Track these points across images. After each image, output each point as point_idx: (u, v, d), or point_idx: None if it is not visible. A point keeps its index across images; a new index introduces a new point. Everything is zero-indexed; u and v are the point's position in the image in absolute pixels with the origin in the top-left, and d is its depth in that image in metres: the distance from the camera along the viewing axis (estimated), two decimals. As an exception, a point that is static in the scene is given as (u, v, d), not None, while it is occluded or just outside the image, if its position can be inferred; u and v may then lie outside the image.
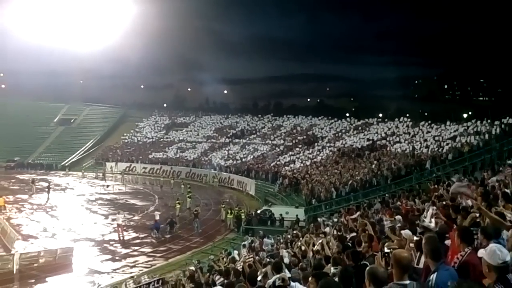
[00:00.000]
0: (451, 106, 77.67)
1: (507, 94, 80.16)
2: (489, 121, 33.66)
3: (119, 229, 27.16)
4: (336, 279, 5.16)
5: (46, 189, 39.58)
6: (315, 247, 11.36)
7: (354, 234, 11.60)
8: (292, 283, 6.58)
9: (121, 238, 26.66)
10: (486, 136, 30.35)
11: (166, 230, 28.41)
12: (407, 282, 4.00)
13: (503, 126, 30.94)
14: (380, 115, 57.26)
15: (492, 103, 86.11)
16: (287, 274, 7.24)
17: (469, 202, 8.82)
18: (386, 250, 6.44)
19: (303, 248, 11.36)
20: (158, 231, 27.63)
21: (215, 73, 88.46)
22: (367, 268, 4.24)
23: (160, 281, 16.55)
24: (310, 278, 5.33)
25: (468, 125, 35.20)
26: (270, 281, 6.90)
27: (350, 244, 9.98)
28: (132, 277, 18.27)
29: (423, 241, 4.84)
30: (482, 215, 7.20)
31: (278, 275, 6.81)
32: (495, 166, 18.92)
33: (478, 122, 34.55)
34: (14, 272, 20.05)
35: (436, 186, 17.87)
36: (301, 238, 14.97)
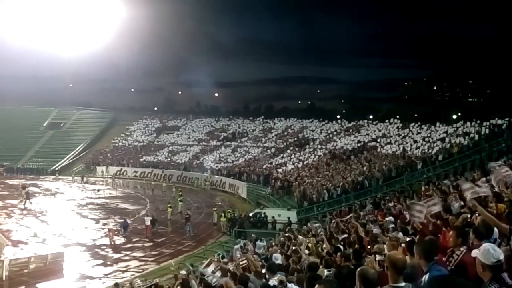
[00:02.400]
0: (441, 108, 78.42)
1: (495, 95, 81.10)
2: (478, 122, 34.00)
3: (110, 233, 27.04)
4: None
5: (24, 194, 37.93)
6: (307, 249, 11.36)
7: (345, 235, 11.63)
8: (289, 284, 6.58)
9: (112, 242, 26.52)
10: (476, 137, 30.63)
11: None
12: (403, 284, 4.00)
13: (492, 126, 31.25)
14: (371, 117, 57.61)
15: (481, 104, 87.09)
16: (280, 276, 7.22)
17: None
18: (378, 257, 6.46)
19: (298, 249, 11.33)
20: (125, 230, 28.14)
21: (206, 76, 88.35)
22: (358, 269, 4.25)
23: (153, 287, 16.43)
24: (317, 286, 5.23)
25: (457, 126, 35.51)
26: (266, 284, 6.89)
27: (341, 245, 10.01)
28: (116, 284, 18.03)
29: (416, 242, 4.85)
30: (473, 215, 7.26)
31: (275, 277, 6.80)
32: (485, 167, 19.07)
33: (468, 123, 34.87)
34: (4, 278, 19.83)
35: (427, 186, 18.00)
36: (293, 240, 14.97)
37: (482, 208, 6.52)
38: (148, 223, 28.59)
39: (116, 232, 27.79)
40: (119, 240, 27.39)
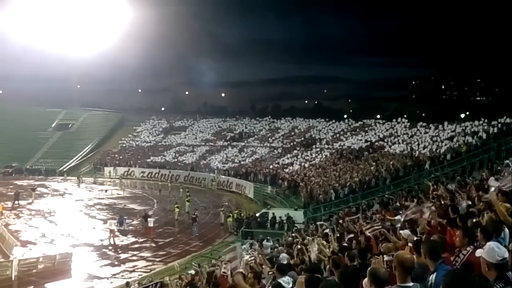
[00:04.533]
0: (449, 106, 77.99)
1: (504, 93, 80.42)
2: (486, 120, 33.74)
3: (111, 234, 27.09)
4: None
5: (14, 195, 38.23)
6: (315, 248, 11.31)
7: (352, 235, 11.58)
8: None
9: (112, 243, 26.60)
10: (484, 135, 30.40)
11: (142, 223, 29.92)
12: (411, 284, 3.98)
13: (500, 125, 31.00)
14: (378, 116, 57.42)
15: (489, 103, 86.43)
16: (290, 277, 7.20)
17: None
18: (386, 258, 6.43)
19: (304, 250, 11.30)
20: (121, 225, 29.22)
21: (212, 76, 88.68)
22: (369, 268, 4.24)
23: (159, 284, 16.46)
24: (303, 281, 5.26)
25: (465, 125, 35.26)
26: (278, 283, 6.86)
27: (348, 244, 9.96)
28: (127, 283, 18.16)
29: (422, 241, 4.83)
30: (481, 215, 7.20)
31: (285, 278, 6.77)
32: (493, 166, 18.93)
33: (476, 122, 34.61)
34: (13, 278, 19.98)
35: (435, 186, 17.85)
36: (299, 240, 14.93)
37: (498, 202, 6.46)
38: (151, 224, 28.64)
39: (116, 231, 27.94)
40: (127, 240, 27.52)
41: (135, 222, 31.89)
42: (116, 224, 28.53)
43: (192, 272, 16.75)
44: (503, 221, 5.63)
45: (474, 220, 6.97)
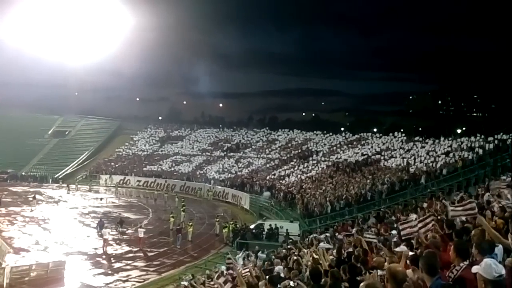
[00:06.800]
0: (445, 122, 78.32)
1: (500, 109, 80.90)
2: (482, 136, 33.90)
3: (105, 243, 26.90)
4: None
5: None
6: (311, 259, 11.27)
7: (351, 249, 11.53)
8: None
9: (105, 252, 26.40)
10: (480, 151, 30.52)
11: (118, 228, 30.93)
12: None
13: (496, 141, 31.15)
14: (375, 130, 57.55)
15: (486, 119, 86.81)
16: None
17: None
18: (380, 272, 6.44)
19: (300, 260, 11.25)
20: (101, 229, 29.60)
21: (210, 86, 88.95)
22: (366, 283, 4.22)
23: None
24: None
25: (462, 141, 35.41)
26: None
27: (346, 257, 9.93)
28: None
29: (420, 256, 4.82)
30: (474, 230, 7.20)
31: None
32: (489, 181, 18.95)
33: (472, 138, 34.77)
34: (4, 286, 19.74)
35: (430, 200, 17.88)
36: (295, 252, 14.88)
37: (487, 223, 6.46)
38: (141, 234, 28.37)
39: (111, 243, 27.77)
40: (121, 249, 27.33)
41: (129, 231, 31.68)
42: (96, 227, 28.59)
43: (185, 283, 16.61)
44: (494, 240, 5.62)
45: (469, 236, 6.96)
